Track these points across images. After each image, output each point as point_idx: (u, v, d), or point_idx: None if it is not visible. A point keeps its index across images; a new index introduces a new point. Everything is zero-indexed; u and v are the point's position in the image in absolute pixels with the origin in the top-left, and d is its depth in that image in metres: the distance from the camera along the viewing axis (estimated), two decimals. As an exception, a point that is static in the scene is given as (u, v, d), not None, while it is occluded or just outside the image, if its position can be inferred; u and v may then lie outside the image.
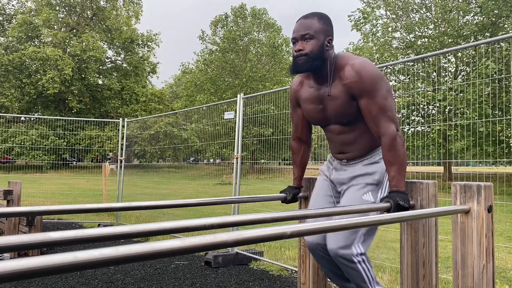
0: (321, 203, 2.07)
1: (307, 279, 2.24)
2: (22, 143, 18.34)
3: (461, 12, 17.61)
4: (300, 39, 1.85)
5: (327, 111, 1.94)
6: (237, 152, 4.86)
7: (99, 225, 6.96)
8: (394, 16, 20.02)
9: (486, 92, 10.20)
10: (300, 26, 1.86)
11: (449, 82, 14.92)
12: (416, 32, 19.42)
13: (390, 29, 20.20)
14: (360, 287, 1.86)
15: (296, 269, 3.69)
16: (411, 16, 19.76)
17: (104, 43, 31.25)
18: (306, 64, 1.84)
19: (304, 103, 2.05)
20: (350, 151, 1.97)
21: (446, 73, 16.65)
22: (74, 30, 31.04)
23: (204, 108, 10.40)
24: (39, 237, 0.78)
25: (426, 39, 18.90)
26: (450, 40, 17.61)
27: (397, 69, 15.69)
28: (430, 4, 19.13)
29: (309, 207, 2.14)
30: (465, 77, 16.42)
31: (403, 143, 1.79)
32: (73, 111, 28.75)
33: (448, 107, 12.32)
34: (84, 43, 28.51)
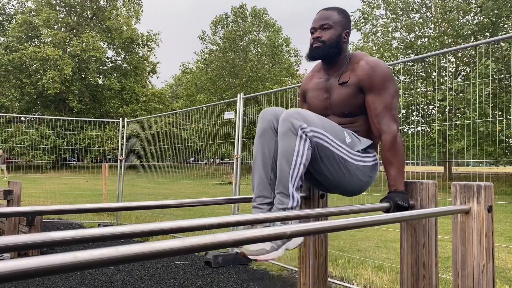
0: None
1: (307, 279, 2.24)
2: (22, 143, 18.34)
3: (461, 12, 17.62)
4: (319, 28, 1.92)
5: (331, 99, 1.96)
6: (237, 152, 4.86)
7: (99, 225, 6.96)
8: (394, 16, 20.02)
9: (486, 92, 10.20)
10: (320, 17, 1.93)
11: (449, 82, 14.92)
12: (416, 32, 19.42)
13: (390, 29, 20.19)
14: (282, 168, 1.66)
15: (296, 269, 3.69)
16: (411, 16, 19.76)
17: (104, 43, 31.24)
18: (323, 51, 1.90)
19: (310, 92, 2.07)
20: None
21: (446, 73, 16.65)
22: (74, 30, 31.03)
23: (204, 108, 10.39)
24: (39, 237, 0.78)
25: (426, 39, 18.89)
26: (450, 40, 17.61)
27: (397, 69, 15.69)
28: (430, 4, 19.13)
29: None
30: (465, 77, 16.42)
31: (402, 143, 1.81)
32: (73, 111, 28.74)
33: (448, 107, 12.32)
34: (84, 43, 28.51)
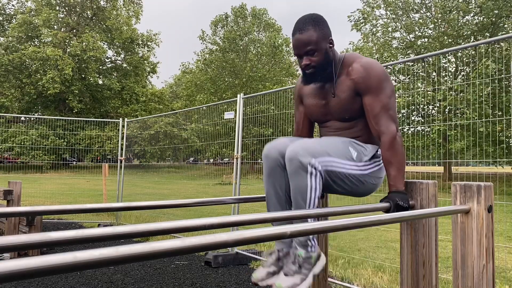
0: None
1: (307, 279, 2.24)
2: (22, 143, 18.35)
3: (461, 12, 17.62)
4: (304, 55, 1.86)
5: (329, 106, 1.95)
6: (237, 152, 4.86)
7: (99, 225, 6.96)
8: (394, 16, 20.02)
9: (486, 92, 10.20)
10: (300, 43, 1.84)
11: (449, 82, 14.92)
12: (416, 32, 19.43)
13: (390, 29, 20.20)
14: (298, 205, 1.72)
15: (296, 269, 3.69)
16: (411, 16, 19.76)
17: (104, 43, 31.25)
18: (318, 76, 1.88)
19: (307, 98, 2.06)
20: None
21: (446, 73, 16.65)
22: (74, 30, 31.04)
23: (204, 108, 10.39)
24: (39, 237, 0.78)
25: (426, 39, 18.90)
26: (450, 40, 17.61)
27: (397, 69, 15.70)
28: (430, 4, 19.14)
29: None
30: (465, 77, 16.42)
31: (402, 143, 1.80)
32: (73, 111, 28.75)
33: (448, 107, 12.32)
34: (84, 43, 28.51)
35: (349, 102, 1.88)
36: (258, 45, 31.35)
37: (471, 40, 17.25)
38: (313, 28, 1.84)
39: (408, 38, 19.66)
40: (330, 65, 1.88)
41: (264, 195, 1.99)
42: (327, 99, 1.95)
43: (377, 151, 1.92)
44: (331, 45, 1.88)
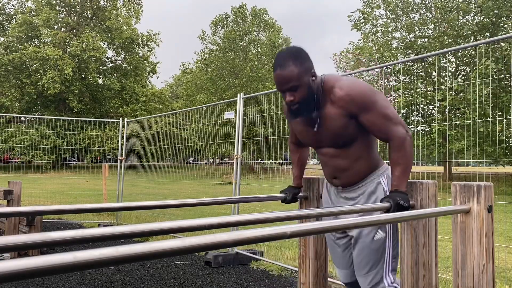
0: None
1: (307, 279, 2.24)
2: (22, 143, 18.35)
3: (461, 12, 17.62)
4: (287, 91, 1.80)
5: (321, 134, 1.91)
6: (237, 152, 4.86)
7: (99, 225, 6.96)
8: (394, 16, 20.03)
9: (486, 92, 10.18)
10: (281, 79, 1.78)
11: (449, 82, 14.92)
12: (416, 32, 19.43)
13: (390, 29, 20.20)
14: None
15: (296, 269, 3.69)
16: (411, 16, 19.76)
17: (104, 43, 31.24)
18: (304, 111, 1.84)
19: (295, 125, 2.03)
20: (344, 176, 1.94)
21: (446, 73, 16.64)
22: (74, 30, 31.04)
23: (204, 108, 10.40)
24: (39, 237, 0.78)
25: (426, 39, 18.90)
26: (450, 40, 17.62)
27: (397, 69, 15.69)
28: (430, 4, 19.14)
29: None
30: (465, 77, 16.42)
31: (412, 144, 1.79)
32: (73, 111, 28.75)
33: (448, 107, 12.32)
34: (84, 43, 28.51)
35: (341, 129, 1.84)
36: (258, 45, 31.36)
37: (471, 40, 17.25)
38: (293, 64, 1.77)
39: (408, 38, 19.65)
40: (313, 96, 1.82)
41: (264, 195, 2.01)
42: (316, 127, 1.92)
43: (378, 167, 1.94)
44: (313, 78, 1.83)
